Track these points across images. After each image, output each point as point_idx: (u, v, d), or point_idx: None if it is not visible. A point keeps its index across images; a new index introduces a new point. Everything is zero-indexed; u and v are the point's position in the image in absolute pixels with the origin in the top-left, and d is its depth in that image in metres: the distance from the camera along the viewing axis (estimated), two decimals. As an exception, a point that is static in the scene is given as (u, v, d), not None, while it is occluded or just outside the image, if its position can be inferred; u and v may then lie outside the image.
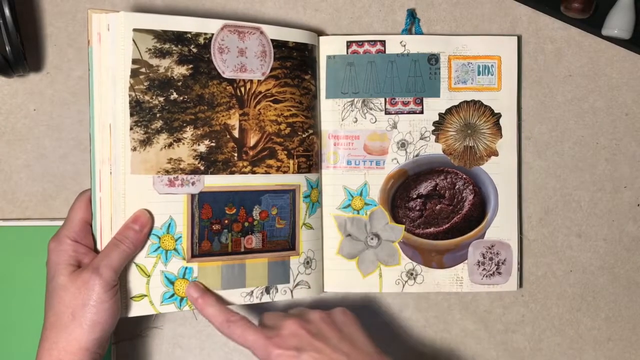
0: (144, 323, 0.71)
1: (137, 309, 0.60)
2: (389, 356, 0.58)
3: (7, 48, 0.60)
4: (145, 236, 0.59)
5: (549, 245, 0.73)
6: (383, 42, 0.69)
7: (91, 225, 0.59)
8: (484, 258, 0.69)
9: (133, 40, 0.58)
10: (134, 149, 0.59)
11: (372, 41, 0.69)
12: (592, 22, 0.70)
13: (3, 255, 0.65)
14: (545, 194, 0.72)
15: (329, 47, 0.69)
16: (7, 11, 0.59)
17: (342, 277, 0.70)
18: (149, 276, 0.60)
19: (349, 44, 0.69)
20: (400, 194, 0.69)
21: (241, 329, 0.58)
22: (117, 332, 0.69)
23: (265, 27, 0.64)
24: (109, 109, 0.58)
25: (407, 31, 0.70)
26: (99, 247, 0.59)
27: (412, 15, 0.70)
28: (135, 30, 0.58)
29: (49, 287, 0.56)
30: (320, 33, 0.70)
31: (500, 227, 0.69)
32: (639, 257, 0.73)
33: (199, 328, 0.71)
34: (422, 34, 0.70)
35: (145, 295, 0.60)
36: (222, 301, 0.62)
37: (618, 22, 0.68)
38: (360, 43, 0.69)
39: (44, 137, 0.69)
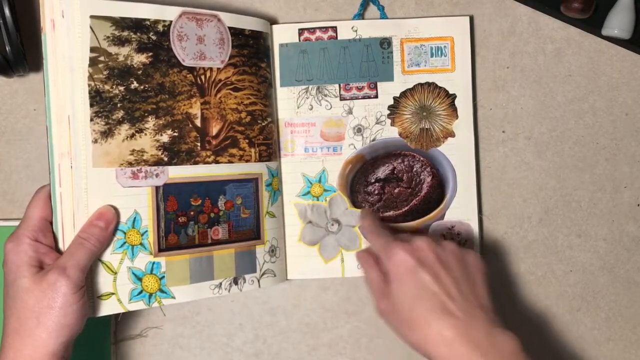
0: (144, 323, 0.70)
1: (105, 308, 0.58)
2: (501, 320, 0.57)
3: (7, 48, 0.60)
4: (111, 233, 0.57)
5: (549, 245, 0.73)
6: (335, 28, 0.69)
7: (51, 223, 0.56)
8: (444, 239, 0.70)
9: (90, 28, 0.56)
10: (95, 141, 0.57)
11: (323, 27, 0.69)
12: (592, 22, 0.70)
13: (3, 255, 0.61)
14: (545, 194, 0.73)
15: (282, 35, 0.69)
16: (7, 11, 0.58)
17: (305, 264, 0.69)
18: (115, 273, 0.58)
19: (301, 31, 0.69)
20: (359, 179, 0.70)
21: (375, 234, 0.63)
22: (117, 332, 0.69)
23: (222, 15, 0.63)
24: (67, 99, 0.55)
25: (360, 16, 0.71)
26: (60, 245, 0.56)
27: (366, 1, 0.71)
28: (92, 17, 0.56)
29: (10, 290, 0.53)
30: (272, 21, 0.69)
31: (460, 207, 0.70)
32: (639, 257, 0.73)
33: (198, 328, 0.71)
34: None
35: (113, 294, 0.58)
36: (380, 222, 0.66)
37: (618, 22, 0.68)
38: (311, 30, 0.69)
39: (44, 137, 0.66)
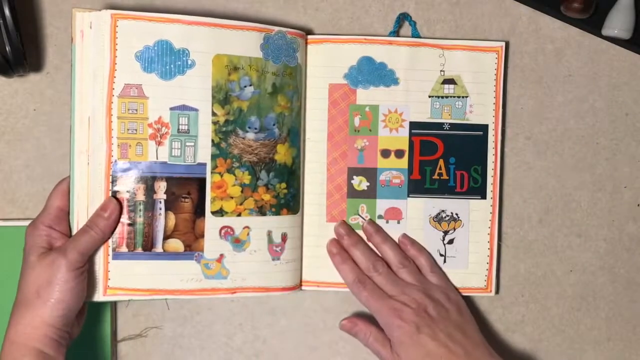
0: (144, 323, 0.71)
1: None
2: (492, 350, 0.63)
3: (7, 48, 0.60)
4: (114, 222, 0.61)
5: (549, 245, 0.73)
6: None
7: (67, 213, 0.61)
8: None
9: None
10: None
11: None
12: (592, 22, 0.70)
13: (3, 255, 0.66)
14: (545, 194, 0.72)
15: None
16: (7, 11, 0.59)
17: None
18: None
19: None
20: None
21: (367, 293, 0.64)
22: (117, 332, 0.70)
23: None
24: (88, 102, 0.60)
25: (395, 33, 0.70)
26: (73, 233, 0.61)
27: (401, 19, 0.70)
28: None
29: (22, 268, 0.59)
30: (308, 32, 0.69)
31: None
32: (639, 257, 0.73)
33: (199, 328, 0.71)
34: (418, 36, 0.70)
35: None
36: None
37: (618, 22, 0.68)
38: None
39: (44, 137, 0.69)
